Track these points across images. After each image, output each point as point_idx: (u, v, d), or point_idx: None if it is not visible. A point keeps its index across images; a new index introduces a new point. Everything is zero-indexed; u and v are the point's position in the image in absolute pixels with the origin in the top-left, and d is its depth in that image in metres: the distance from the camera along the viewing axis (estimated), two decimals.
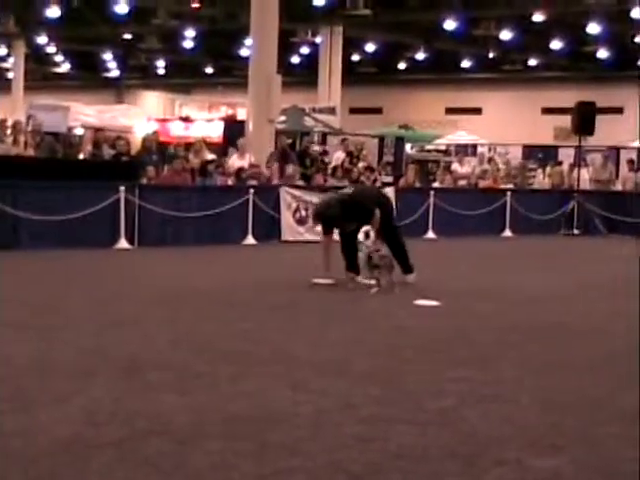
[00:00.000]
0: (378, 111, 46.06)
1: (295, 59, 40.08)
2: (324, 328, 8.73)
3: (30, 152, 17.99)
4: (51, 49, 44.20)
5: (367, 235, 11.32)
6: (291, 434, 5.26)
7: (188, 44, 39.23)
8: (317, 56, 34.86)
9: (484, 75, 43.25)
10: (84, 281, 11.51)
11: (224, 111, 33.02)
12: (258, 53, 21.04)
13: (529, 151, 31.33)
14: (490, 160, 27.09)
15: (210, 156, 19.81)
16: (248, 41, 25.83)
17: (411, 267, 11.84)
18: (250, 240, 16.90)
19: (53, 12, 32.84)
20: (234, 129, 23.86)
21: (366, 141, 27.79)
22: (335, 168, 21.30)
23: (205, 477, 4.61)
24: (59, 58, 47.30)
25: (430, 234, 19.86)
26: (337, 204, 11.55)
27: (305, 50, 38.28)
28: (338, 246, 11.68)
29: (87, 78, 51.57)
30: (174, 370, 6.70)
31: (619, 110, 39.70)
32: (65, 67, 49.03)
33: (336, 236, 11.85)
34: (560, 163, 28.32)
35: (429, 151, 34.79)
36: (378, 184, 20.37)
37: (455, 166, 25.29)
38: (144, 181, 16.46)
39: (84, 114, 27.80)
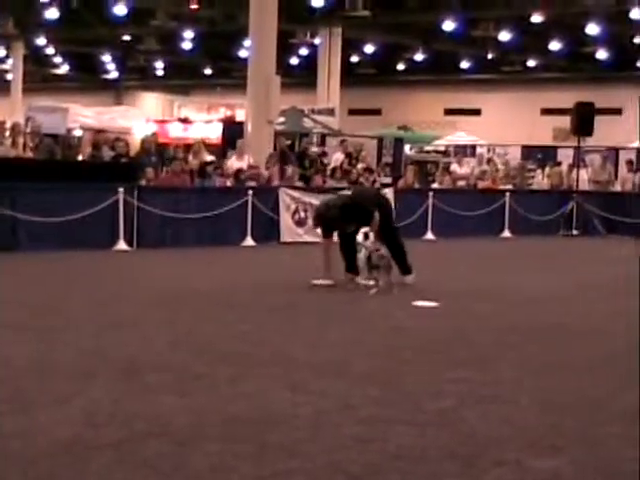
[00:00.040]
0: (377, 112, 46.06)
1: (294, 60, 40.07)
2: (323, 329, 8.74)
3: (29, 154, 17.98)
4: (50, 51, 44.19)
5: (366, 236, 11.33)
6: (290, 435, 5.26)
7: (187, 45, 39.21)
8: (316, 57, 34.86)
9: (483, 76, 43.25)
10: (83, 282, 11.51)
11: (223, 112, 32.97)
12: (257, 54, 21.05)
13: (528, 152, 31.30)
14: (489, 161, 27.08)
15: (209, 157, 19.81)
16: (247, 42, 25.83)
17: (410, 268, 11.85)
18: (249, 241, 16.90)
19: (52, 14, 32.87)
20: (233, 130, 23.87)
21: (365, 142, 27.80)
22: (334, 169, 21.31)
23: (204, 479, 4.61)
24: (58, 60, 47.29)
25: (429, 235, 19.85)
26: (337, 206, 11.56)
27: (304, 51, 38.26)
28: (337, 247, 11.69)
29: (86, 80, 51.57)
30: (173, 371, 6.70)
31: (618, 111, 39.70)
32: (64, 69, 49.02)
33: (335, 238, 11.85)
34: (559, 164, 28.30)
35: (428, 152, 34.76)
36: (377, 185, 20.36)
37: (454, 167, 25.26)
38: (143, 182, 16.45)
39: (83, 116, 27.76)
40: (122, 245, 15.19)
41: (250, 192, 16.98)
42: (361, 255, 11.26)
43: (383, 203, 12.12)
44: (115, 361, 6.96)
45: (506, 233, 21.34)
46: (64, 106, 27.78)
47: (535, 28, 33.54)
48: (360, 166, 22.15)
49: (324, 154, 24.10)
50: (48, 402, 5.79)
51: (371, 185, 20.06)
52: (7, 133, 19.13)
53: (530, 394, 6.40)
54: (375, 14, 30.88)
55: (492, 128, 39.97)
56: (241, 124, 22.39)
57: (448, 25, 32.07)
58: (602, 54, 37.27)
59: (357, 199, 11.78)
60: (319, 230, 12.24)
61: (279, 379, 6.56)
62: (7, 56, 43.44)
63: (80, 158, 19.99)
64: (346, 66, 36.33)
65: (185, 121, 29.61)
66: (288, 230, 17.55)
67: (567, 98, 30.44)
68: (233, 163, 19.05)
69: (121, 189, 15.13)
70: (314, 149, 24.74)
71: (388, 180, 23.22)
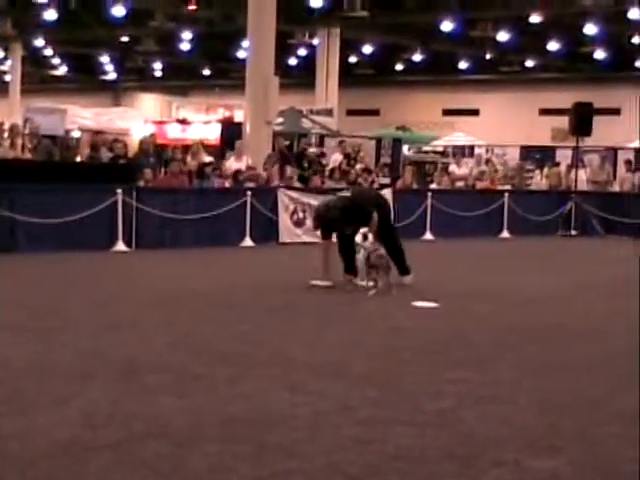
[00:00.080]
0: (375, 113, 46.08)
1: (292, 61, 40.09)
2: (322, 330, 8.73)
3: (27, 155, 17.97)
4: (48, 52, 44.19)
5: (365, 237, 11.32)
6: (289, 436, 5.26)
7: (185, 46, 39.22)
8: (314, 58, 34.88)
9: (481, 76, 43.27)
10: (82, 284, 11.50)
11: (221, 113, 32.96)
12: (255, 55, 21.05)
13: (526, 152, 31.31)
14: (487, 161, 27.11)
15: (207, 158, 19.82)
16: (245, 43, 25.79)
17: (408, 268, 11.85)
18: (248, 242, 16.89)
19: (50, 15, 32.87)
20: (231, 131, 23.87)
21: (363, 143, 27.81)
22: (332, 170, 21.32)
23: (203, 479, 4.61)
24: (56, 61, 47.28)
25: (428, 235, 19.86)
26: (337, 207, 11.56)
27: (302, 52, 38.29)
28: (336, 248, 11.69)
29: (84, 81, 51.57)
30: (172, 372, 6.69)
31: (616, 111, 39.73)
32: (62, 70, 49.02)
33: (334, 238, 11.85)
34: (558, 164, 28.30)
35: (426, 152, 34.77)
36: (375, 186, 20.36)
37: (452, 167, 25.26)
38: (141, 184, 16.44)
39: (81, 117, 27.76)
40: (121, 246, 15.19)
41: (249, 193, 16.98)
42: (360, 256, 11.25)
43: (382, 204, 12.12)
44: (114, 362, 6.95)
45: (505, 233, 21.34)
46: (62, 107, 27.78)
47: (533, 28, 33.57)
48: (358, 167, 22.16)
49: (323, 155, 24.12)
50: (46, 403, 5.78)
51: (369, 186, 20.06)
52: (5, 134, 19.14)
53: (529, 394, 6.40)
54: (373, 15, 30.89)
55: (490, 128, 40.00)
56: (239, 125, 22.39)
57: (446, 25, 32.10)
58: (600, 54, 37.29)
59: (356, 200, 11.78)
60: (319, 232, 12.24)
61: (278, 380, 6.56)
62: (5, 57, 43.45)
63: (78, 159, 19.96)
64: (344, 67, 36.35)
65: (183, 122, 29.60)
66: (287, 231, 17.55)
67: (565, 98, 30.46)
68: (232, 164, 19.05)
69: (119, 190, 15.13)
70: (312, 150, 24.76)
71: (386, 180, 23.23)
